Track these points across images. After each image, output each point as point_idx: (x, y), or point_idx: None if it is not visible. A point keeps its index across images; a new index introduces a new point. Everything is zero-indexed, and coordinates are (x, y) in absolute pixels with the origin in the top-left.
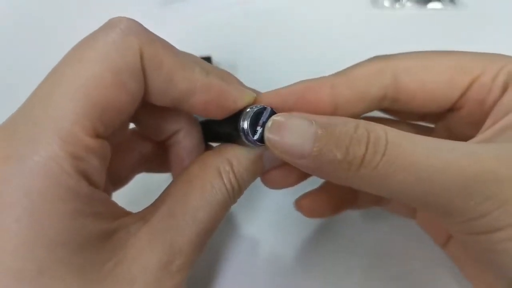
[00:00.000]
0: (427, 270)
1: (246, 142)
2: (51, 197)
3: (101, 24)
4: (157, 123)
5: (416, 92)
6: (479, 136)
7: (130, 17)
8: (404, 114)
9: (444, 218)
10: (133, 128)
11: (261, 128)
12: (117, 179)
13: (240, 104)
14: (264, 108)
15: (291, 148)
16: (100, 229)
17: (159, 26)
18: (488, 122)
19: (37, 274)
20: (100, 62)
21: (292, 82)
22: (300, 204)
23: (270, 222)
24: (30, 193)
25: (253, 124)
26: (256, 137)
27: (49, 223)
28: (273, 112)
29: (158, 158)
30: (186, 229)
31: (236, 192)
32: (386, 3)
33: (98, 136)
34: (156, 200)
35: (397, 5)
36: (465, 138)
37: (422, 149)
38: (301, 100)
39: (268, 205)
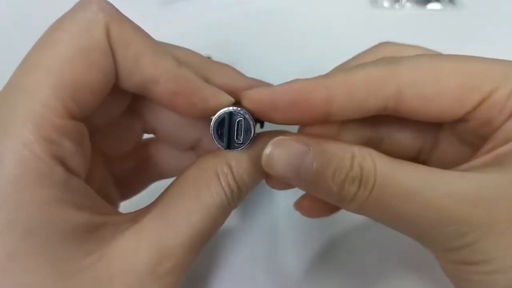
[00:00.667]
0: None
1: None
2: (24, 183)
3: None
4: (176, 131)
5: (420, 107)
6: (472, 162)
7: (130, 17)
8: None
9: (426, 246)
10: (150, 138)
11: (243, 133)
12: (135, 187)
13: (212, 104)
14: (239, 113)
15: (286, 176)
16: (80, 221)
17: (159, 26)
18: (487, 146)
19: (6, 261)
20: (67, 42)
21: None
22: (299, 205)
23: (269, 220)
24: (0, 179)
25: (226, 127)
26: (233, 142)
27: (21, 210)
28: (249, 117)
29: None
30: (178, 231)
31: (235, 195)
32: (386, 4)
33: (73, 117)
34: (150, 203)
35: (396, 6)
36: (471, 145)
37: (404, 186)
38: (293, 104)
39: (267, 204)
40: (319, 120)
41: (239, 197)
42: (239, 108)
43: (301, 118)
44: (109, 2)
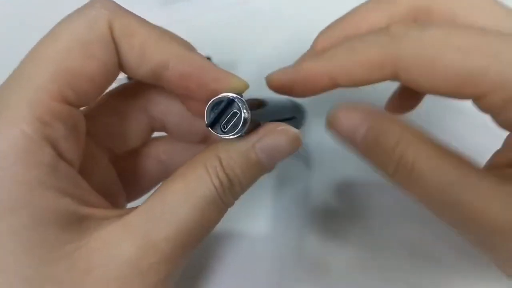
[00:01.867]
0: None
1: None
2: (10, 160)
3: None
4: (185, 122)
5: (421, 89)
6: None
7: None
8: None
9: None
10: (162, 137)
11: (230, 125)
12: (142, 186)
13: (224, 84)
14: (233, 100)
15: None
16: (63, 208)
17: (159, 26)
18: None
19: None
20: (68, 35)
21: None
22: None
23: (269, 219)
24: None
25: (219, 111)
26: (222, 128)
27: (4, 188)
28: (245, 114)
29: None
30: (163, 225)
31: (226, 188)
32: None
33: (69, 103)
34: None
35: None
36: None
37: (437, 185)
38: (305, 84)
39: (266, 202)
40: (333, 88)
41: (231, 190)
42: (240, 100)
43: (314, 92)
44: (113, 1)
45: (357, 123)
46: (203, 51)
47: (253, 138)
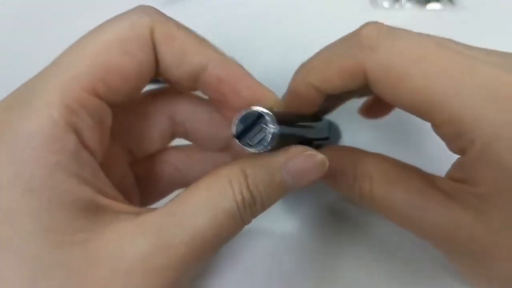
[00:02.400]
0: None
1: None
2: (36, 142)
3: None
4: (207, 129)
5: (389, 100)
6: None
7: None
8: None
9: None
10: (181, 146)
11: (256, 141)
12: (156, 192)
13: (257, 94)
14: (263, 115)
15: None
16: (81, 195)
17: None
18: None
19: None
20: (109, 33)
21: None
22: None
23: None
24: (15, 135)
25: (251, 127)
26: (248, 141)
27: (27, 167)
28: (272, 120)
29: None
30: (181, 229)
31: (247, 205)
32: (386, 4)
33: (99, 96)
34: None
35: (396, 6)
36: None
37: (394, 207)
38: (293, 99)
39: None
40: (322, 98)
41: (252, 208)
42: (270, 115)
43: (310, 101)
44: (155, 9)
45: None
46: None
47: (281, 158)
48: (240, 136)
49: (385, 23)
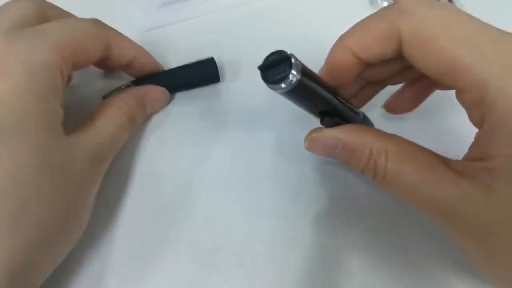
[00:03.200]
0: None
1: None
2: (42, 73)
3: None
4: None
5: (417, 64)
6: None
7: (130, 17)
8: None
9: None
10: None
11: (284, 72)
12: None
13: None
14: (290, 58)
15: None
16: (61, 114)
17: (159, 26)
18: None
19: (14, 98)
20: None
21: None
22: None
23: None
24: (34, 62)
25: (273, 67)
26: (272, 79)
27: (40, 79)
28: (297, 65)
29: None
30: (103, 135)
31: (130, 118)
32: (385, 4)
33: (75, 59)
34: (84, 117)
35: None
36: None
37: (406, 182)
38: (335, 71)
39: (267, 203)
40: (359, 68)
41: (132, 119)
42: (295, 64)
43: (348, 72)
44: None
45: (332, 143)
46: (204, 52)
47: (141, 91)
48: (264, 69)
49: None
